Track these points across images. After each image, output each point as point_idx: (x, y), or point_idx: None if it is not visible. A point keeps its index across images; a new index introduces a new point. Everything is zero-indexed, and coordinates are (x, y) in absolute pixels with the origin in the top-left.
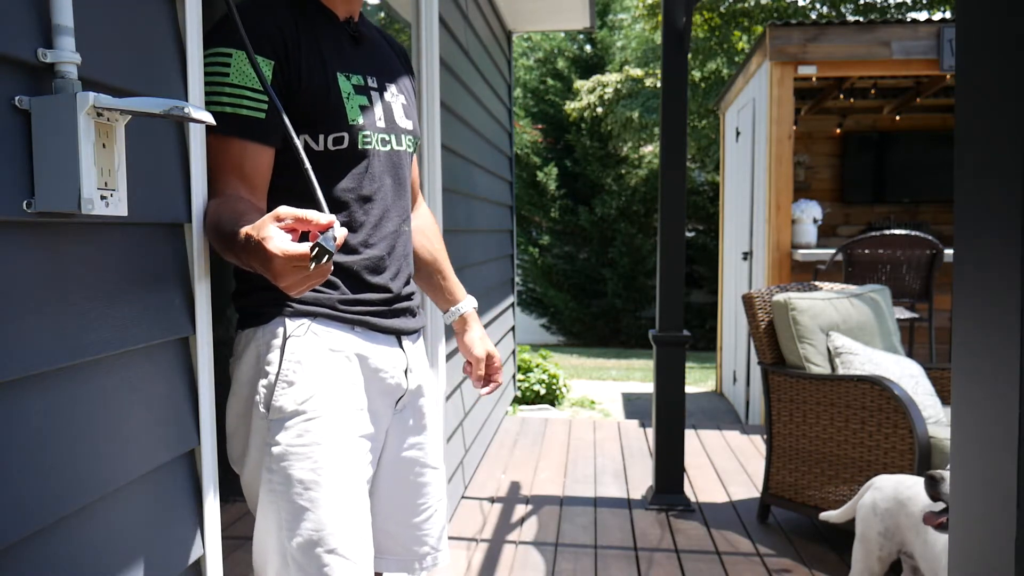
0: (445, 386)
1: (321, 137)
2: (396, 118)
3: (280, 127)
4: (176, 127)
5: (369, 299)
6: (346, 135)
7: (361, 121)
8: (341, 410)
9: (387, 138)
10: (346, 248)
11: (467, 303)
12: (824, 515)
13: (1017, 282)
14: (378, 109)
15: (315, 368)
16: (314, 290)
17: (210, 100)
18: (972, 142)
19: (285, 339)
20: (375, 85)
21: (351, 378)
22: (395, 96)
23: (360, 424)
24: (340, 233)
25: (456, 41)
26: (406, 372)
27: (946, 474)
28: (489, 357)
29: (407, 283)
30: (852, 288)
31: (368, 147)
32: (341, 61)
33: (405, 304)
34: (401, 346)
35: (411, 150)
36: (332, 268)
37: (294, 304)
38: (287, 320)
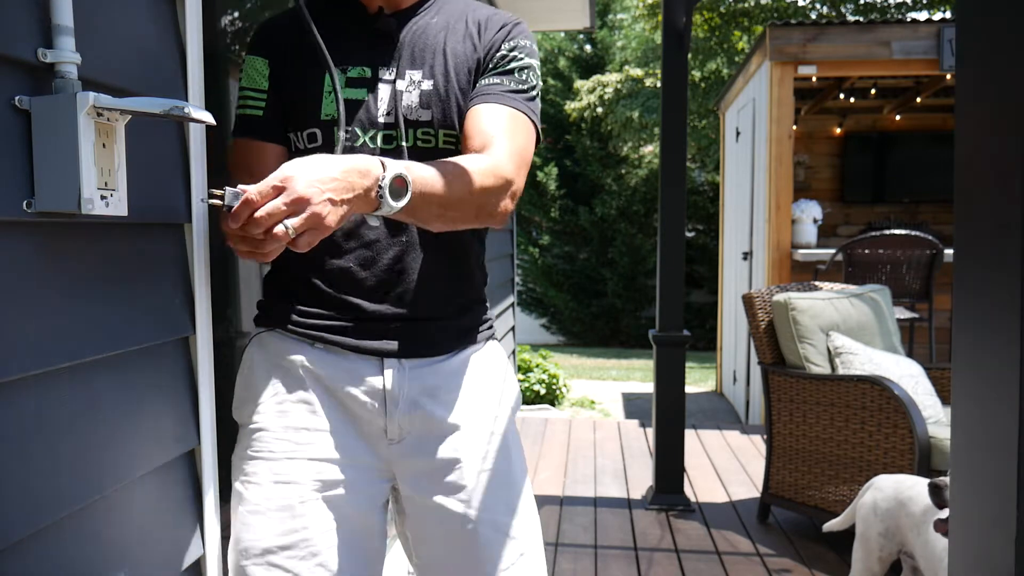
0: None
1: (298, 134)
2: (403, 111)
3: (283, 124)
4: (176, 127)
5: (327, 314)
6: (318, 131)
7: (339, 116)
8: (277, 426)
9: (393, 135)
10: (305, 258)
11: None
12: (827, 526)
13: (1017, 281)
14: (382, 103)
15: (258, 380)
16: (278, 299)
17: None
18: (971, 142)
19: (246, 347)
20: (389, 76)
21: (297, 395)
22: (416, 84)
23: (302, 444)
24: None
25: None
26: (385, 400)
27: (949, 481)
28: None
29: (402, 300)
30: (852, 288)
31: (349, 145)
32: (340, 54)
33: (396, 324)
34: (383, 369)
35: (431, 145)
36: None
37: (264, 314)
38: (256, 328)
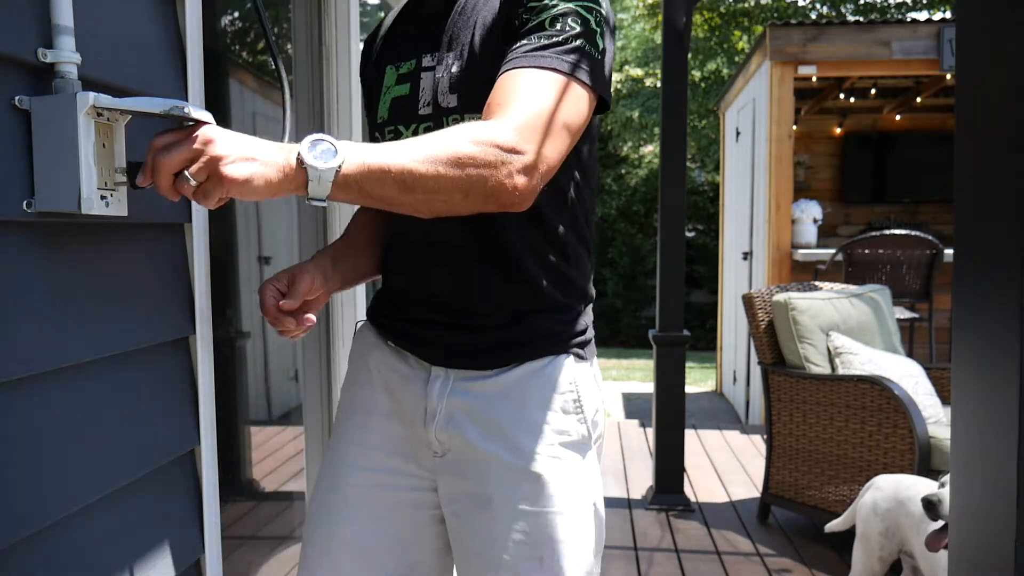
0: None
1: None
2: (440, 99)
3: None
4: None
5: (393, 314)
6: (378, 135)
7: (389, 116)
8: (346, 407)
9: (431, 126)
10: (388, 259)
11: None
12: (829, 526)
13: (1017, 281)
14: (423, 95)
15: (350, 362)
16: (379, 294)
17: None
18: (971, 142)
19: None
20: (430, 63)
21: (370, 386)
22: (448, 68)
23: (360, 428)
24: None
25: None
26: (425, 409)
27: (942, 494)
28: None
29: (442, 307)
30: (852, 288)
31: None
32: (394, 51)
33: (437, 332)
34: (429, 378)
35: None
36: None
37: (370, 304)
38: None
